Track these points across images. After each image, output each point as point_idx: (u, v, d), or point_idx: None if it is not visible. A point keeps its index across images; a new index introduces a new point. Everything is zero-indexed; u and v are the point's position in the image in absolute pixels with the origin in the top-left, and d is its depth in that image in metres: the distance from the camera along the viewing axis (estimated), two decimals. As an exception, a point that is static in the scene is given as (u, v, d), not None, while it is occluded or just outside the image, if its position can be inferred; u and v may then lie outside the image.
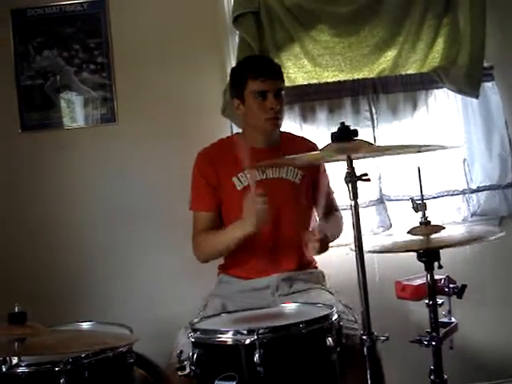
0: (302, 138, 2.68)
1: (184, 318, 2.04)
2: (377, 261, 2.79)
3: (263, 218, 2.21)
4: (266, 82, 2.36)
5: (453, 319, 1.93)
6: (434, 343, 1.80)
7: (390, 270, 2.53)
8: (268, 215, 2.21)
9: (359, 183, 1.72)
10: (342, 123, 1.60)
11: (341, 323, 1.86)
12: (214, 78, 3.05)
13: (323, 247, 2.32)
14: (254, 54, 2.82)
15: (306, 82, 3.09)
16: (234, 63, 3.04)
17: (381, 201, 3.08)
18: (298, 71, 3.08)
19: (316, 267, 2.54)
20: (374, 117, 3.09)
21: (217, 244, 2.41)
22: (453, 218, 3.13)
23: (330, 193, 2.58)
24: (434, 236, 1.85)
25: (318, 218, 2.54)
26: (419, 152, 1.81)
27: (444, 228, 1.89)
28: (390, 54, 3.12)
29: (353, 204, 1.67)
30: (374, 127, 3.09)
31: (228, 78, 3.03)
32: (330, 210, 2.57)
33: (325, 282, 2.52)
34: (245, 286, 2.41)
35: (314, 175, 2.52)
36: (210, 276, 2.55)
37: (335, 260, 2.69)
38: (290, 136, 2.61)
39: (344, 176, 1.70)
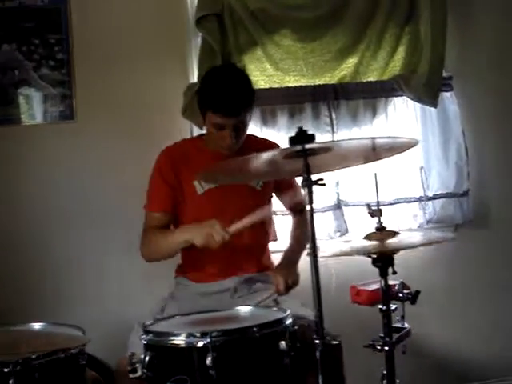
0: (266, 140, 2.66)
1: (139, 319, 2.02)
2: (334, 265, 2.82)
3: (213, 245, 2.20)
4: (224, 118, 2.30)
5: (406, 325, 1.95)
6: (386, 348, 1.81)
7: (347, 275, 2.55)
8: (219, 246, 2.20)
9: (317, 188, 1.73)
10: (300, 127, 1.61)
11: (295, 327, 1.86)
12: (176, 79, 3.01)
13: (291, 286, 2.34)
14: (222, 73, 2.45)
15: (267, 86, 3.09)
16: (196, 64, 3.02)
17: (338, 206, 3.09)
18: (260, 74, 3.07)
19: (274, 271, 2.54)
20: (334, 122, 3.11)
21: (163, 242, 2.37)
22: (409, 225, 3.18)
23: (297, 193, 2.53)
24: (388, 241, 1.86)
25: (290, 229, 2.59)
26: (375, 148, 1.82)
27: (399, 234, 1.91)
28: (352, 61, 3.15)
29: (308, 209, 1.68)
30: (333, 133, 3.10)
31: (189, 79, 3.05)
32: (300, 209, 2.56)
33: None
34: (203, 289, 2.40)
35: (276, 180, 2.51)
36: (165, 277, 2.54)
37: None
38: (253, 139, 2.59)
39: (301, 181, 1.70)
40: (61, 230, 2.97)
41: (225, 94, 2.30)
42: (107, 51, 3.03)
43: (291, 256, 2.48)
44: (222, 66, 2.70)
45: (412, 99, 3.16)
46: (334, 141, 2.60)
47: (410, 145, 1.79)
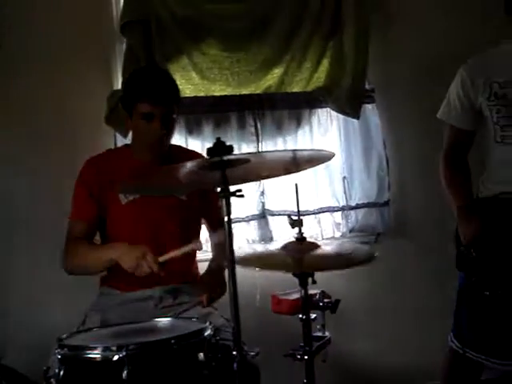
0: (192, 152, 2.65)
1: (64, 331, 1.96)
2: (258, 274, 2.82)
3: (139, 273, 2.19)
4: (153, 107, 2.30)
5: (326, 333, 1.96)
6: (306, 357, 1.83)
7: (271, 284, 2.55)
8: (145, 275, 2.19)
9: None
10: (218, 138, 1.62)
11: (217, 337, 1.86)
12: (99, 85, 2.97)
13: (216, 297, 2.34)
14: (148, 69, 2.65)
15: (193, 95, 3.08)
16: (120, 71, 2.98)
17: (263, 215, 3.13)
18: (185, 83, 3.05)
19: (200, 281, 2.53)
20: (259, 132, 3.13)
21: (90, 256, 2.33)
22: (332, 234, 3.24)
23: (220, 207, 2.55)
24: (306, 257, 1.87)
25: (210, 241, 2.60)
26: (294, 159, 1.84)
27: (319, 246, 1.93)
28: (277, 72, 3.17)
29: (226, 219, 1.68)
30: (258, 143, 3.13)
31: (113, 86, 3.00)
32: (220, 224, 2.56)
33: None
34: (126, 298, 2.36)
35: (202, 190, 2.49)
36: (92, 288, 2.48)
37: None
38: (179, 149, 2.58)
39: (219, 191, 1.70)
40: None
41: (153, 83, 2.36)
42: (26, 54, 2.93)
43: (215, 266, 2.48)
44: (146, 65, 2.86)
45: (335, 110, 3.22)
46: (252, 153, 2.62)
47: (328, 157, 1.82)
